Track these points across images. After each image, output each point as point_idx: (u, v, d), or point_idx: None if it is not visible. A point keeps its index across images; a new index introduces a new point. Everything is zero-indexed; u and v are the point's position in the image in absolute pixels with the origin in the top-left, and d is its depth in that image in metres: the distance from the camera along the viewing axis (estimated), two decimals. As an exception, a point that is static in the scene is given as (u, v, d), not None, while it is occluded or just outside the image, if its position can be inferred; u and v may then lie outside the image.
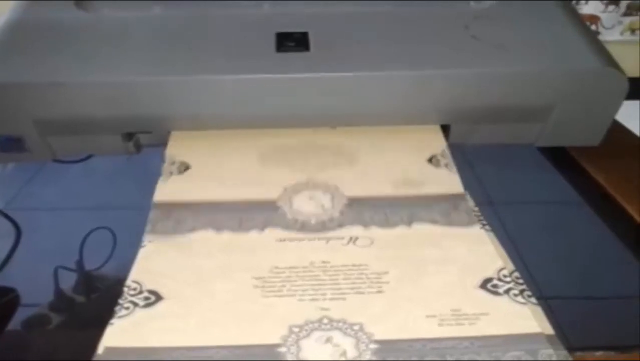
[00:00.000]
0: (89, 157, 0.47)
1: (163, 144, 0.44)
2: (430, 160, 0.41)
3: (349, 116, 0.43)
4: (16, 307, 0.35)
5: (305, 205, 0.37)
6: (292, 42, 0.41)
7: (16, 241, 0.40)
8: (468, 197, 0.38)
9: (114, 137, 0.43)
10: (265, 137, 0.43)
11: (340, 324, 0.29)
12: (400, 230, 0.35)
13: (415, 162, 0.41)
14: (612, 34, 0.70)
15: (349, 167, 0.41)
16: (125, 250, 0.35)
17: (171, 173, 0.40)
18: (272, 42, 0.41)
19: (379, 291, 0.31)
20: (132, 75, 0.39)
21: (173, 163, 0.41)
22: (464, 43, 0.42)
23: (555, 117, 0.42)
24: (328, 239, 0.35)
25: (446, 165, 0.41)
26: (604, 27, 0.70)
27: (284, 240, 0.35)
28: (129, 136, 0.44)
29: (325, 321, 0.29)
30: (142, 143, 0.45)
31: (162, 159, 0.41)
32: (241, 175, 0.40)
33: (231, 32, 0.42)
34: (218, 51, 0.41)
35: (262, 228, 0.35)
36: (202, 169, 0.40)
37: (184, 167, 0.40)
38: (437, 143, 0.43)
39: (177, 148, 0.42)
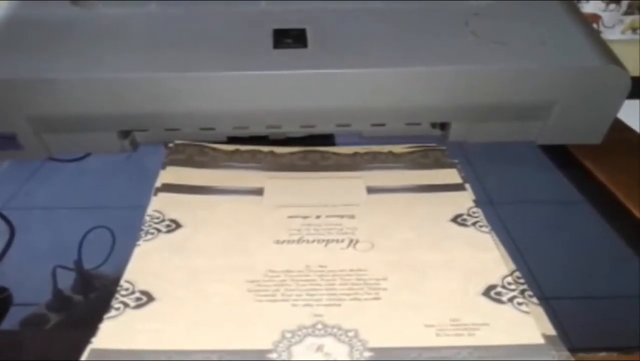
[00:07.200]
0: (86, 155, 0.46)
1: (160, 142, 0.44)
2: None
3: (347, 113, 0.43)
4: (8, 306, 0.35)
5: None
6: (289, 38, 0.40)
7: (10, 240, 0.40)
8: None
9: (110, 134, 0.42)
10: None
11: (335, 330, 0.28)
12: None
13: None
14: (613, 33, 0.70)
15: None
16: (123, 249, 0.34)
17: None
18: (269, 39, 0.41)
19: (376, 298, 0.30)
20: (127, 72, 0.38)
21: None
22: (463, 40, 0.41)
23: (557, 115, 0.42)
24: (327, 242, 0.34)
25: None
26: (605, 26, 0.70)
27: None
28: (124, 134, 0.43)
29: (320, 326, 0.28)
30: (138, 141, 0.45)
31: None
32: None
33: (228, 29, 0.42)
34: (215, 48, 0.40)
35: None
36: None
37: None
38: None
39: None
